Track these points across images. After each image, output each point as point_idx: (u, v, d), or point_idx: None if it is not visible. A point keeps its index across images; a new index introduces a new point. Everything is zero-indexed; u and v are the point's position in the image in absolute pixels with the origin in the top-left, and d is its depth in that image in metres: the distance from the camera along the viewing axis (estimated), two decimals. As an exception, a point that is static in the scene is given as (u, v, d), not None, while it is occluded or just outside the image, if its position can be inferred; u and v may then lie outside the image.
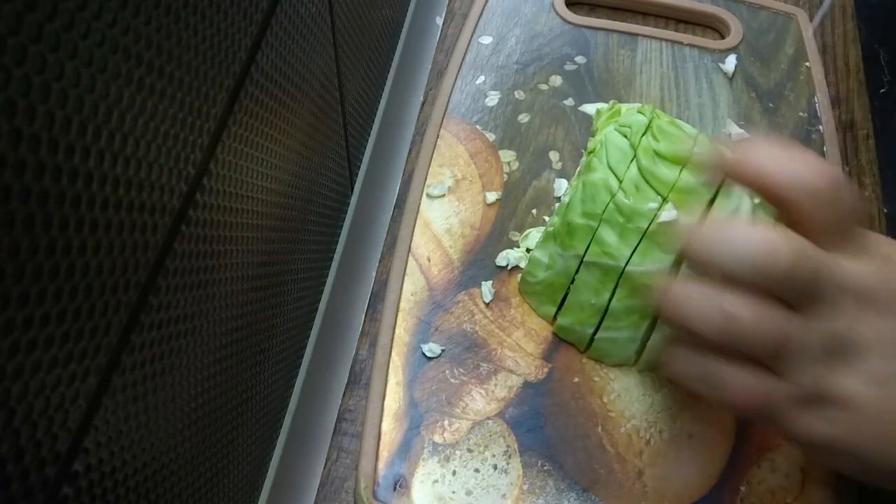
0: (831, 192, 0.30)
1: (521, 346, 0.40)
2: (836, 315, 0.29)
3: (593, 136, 0.43)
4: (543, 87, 0.52)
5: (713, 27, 0.58)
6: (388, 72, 0.75)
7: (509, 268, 0.43)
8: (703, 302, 0.30)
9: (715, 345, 0.30)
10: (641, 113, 0.39)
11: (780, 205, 0.31)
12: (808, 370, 0.29)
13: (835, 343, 0.29)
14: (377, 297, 0.44)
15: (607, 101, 0.51)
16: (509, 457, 0.37)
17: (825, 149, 0.50)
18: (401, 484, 0.36)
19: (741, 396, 0.30)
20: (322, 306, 0.60)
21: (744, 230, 0.29)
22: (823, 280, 0.29)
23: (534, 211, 0.46)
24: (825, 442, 0.30)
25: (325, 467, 0.39)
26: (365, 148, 0.70)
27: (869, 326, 0.29)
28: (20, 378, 0.22)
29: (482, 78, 0.52)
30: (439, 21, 0.75)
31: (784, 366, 0.30)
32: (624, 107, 0.42)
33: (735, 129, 0.50)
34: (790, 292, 0.29)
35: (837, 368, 0.29)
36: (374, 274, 0.46)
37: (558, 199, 0.46)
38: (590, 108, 0.51)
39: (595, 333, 0.39)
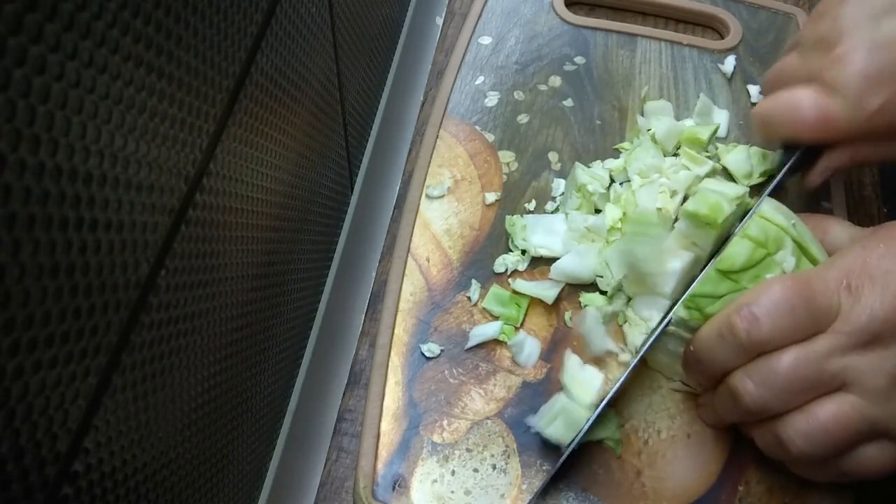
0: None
1: (521, 346, 0.40)
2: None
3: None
4: (543, 87, 0.52)
5: (712, 27, 0.58)
6: (388, 72, 0.75)
7: (508, 273, 0.43)
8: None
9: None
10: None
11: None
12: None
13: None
14: (377, 298, 0.44)
15: (607, 101, 0.51)
16: (508, 456, 0.37)
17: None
18: (400, 483, 0.36)
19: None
20: (322, 306, 0.60)
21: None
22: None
23: (533, 211, 0.46)
24: None
25: (325, 467, 0.39)
26: (365, 148, 0.70)
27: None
28: (20, 378, 0.22)
29: (482, 78, 0.52)
30: (439, 21, 0.75)
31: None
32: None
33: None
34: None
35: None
36: (373, 274, 0.46)
37: (555, 199, 0.46)
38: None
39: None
